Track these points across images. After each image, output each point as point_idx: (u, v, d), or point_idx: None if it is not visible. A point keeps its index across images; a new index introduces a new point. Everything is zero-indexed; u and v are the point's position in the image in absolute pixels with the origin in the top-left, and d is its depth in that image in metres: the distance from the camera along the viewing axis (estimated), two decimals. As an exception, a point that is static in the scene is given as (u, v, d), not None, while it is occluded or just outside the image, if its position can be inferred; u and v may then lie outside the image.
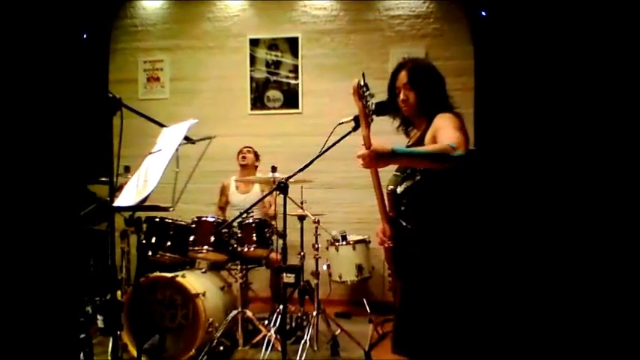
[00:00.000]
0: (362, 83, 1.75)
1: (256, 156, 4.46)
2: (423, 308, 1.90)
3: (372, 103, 1.79)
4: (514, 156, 3.65)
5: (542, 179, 3.33)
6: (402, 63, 2.07)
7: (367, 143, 1.73)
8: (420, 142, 1.96)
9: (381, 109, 1.91)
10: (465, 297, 1.89)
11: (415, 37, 4.99)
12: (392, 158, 1.70)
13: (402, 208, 1.97)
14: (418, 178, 1.90)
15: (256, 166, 4.46)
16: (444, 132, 1.83)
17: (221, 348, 3.39)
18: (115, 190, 2.05)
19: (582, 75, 3.16)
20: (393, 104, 2.04)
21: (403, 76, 2.02)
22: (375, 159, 1.66)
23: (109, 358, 3.05)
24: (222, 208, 4.48)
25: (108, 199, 2.06)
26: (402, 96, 2.02)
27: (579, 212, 3.03)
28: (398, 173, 2.02)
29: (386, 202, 1.97)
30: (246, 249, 3.55)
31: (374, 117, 1.81)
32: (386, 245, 2.01)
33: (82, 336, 2.88)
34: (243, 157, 4.39)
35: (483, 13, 4.59)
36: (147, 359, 3.10)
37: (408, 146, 2.09)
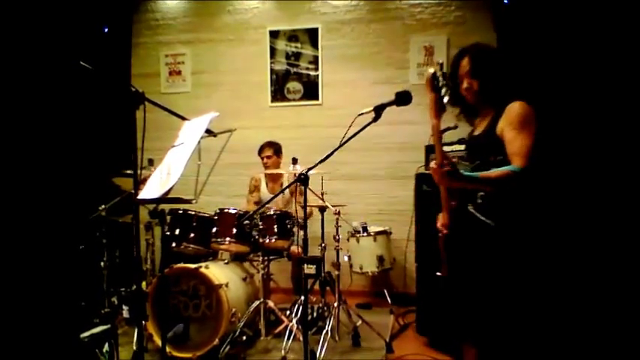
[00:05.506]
0: (437, 74, 1.69)
1: (277, 153, 4.36)
2: (490, 300, 1.87)
3: (446, 95, 1.72)
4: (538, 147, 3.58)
5: (568, 170, 3.26)
6: (465, 49, 1.99)
7: (436, 133, 1.74)
8: (490, 132, 1.90)
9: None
10: (534, 289, 1.86)
11: (437, 25, 4.90)
12: (460, 180, 1.76)
13: (479, 201, 1.91)
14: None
15: (279, 162, 4.39)
16: (512, 143, 1.79)
17: (244, 338, 3.43)
18: (139, 182, 2.08)
19: (605, 60, 3.07)
20: (455, 93, 1.96)
21: (465, 64, 1.94)
22: (444, 177, 1.72)
23: (135, 347, 3.11)
24: (257, 203, 4.40)
25: (132, 191, 2.09)
26: (465, 84, 1.95)
27: (611, 212, 2.95)
28: (466, 163, 1.97)
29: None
30: (267, 240, 3.58)
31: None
32: (442, 233, 1.99)
33: (108, 326, 2.95)
34: (265, 163, 4.33)
35: (505, 0, 4.50)
36: (171, 349, 3.17)
37: (472, 135, 2.06)
